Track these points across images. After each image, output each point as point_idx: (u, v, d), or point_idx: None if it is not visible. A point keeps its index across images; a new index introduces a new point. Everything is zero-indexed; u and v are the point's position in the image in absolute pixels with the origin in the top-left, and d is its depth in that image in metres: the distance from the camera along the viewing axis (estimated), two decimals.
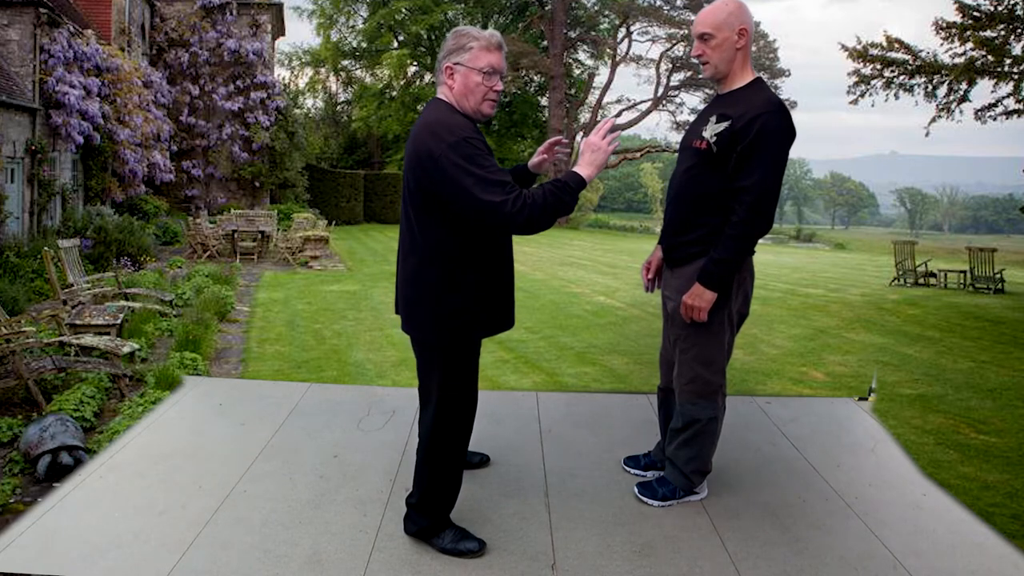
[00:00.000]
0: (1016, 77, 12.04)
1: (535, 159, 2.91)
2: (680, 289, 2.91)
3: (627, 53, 34.70)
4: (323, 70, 36.53)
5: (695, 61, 2.92)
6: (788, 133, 2.73)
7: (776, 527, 2.88)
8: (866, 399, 4.39)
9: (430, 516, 2.68)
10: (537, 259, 16.85)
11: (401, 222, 2.67)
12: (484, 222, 2.41)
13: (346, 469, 3.31)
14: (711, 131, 2.79)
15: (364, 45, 35.44)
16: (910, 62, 12.80)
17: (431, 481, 2.67)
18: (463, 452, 2.70)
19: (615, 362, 6.71)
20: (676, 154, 3.17)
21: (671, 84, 34.47)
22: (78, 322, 6.23)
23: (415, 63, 34.39)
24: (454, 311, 2.54)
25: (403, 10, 32.88)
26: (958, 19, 12.10)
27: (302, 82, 36.77)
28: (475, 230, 2.50)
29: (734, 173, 2.75)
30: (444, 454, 2.64)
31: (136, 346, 5.57)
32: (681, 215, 2.93)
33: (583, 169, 2.49)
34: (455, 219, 2.47)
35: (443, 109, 2.55)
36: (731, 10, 2.79)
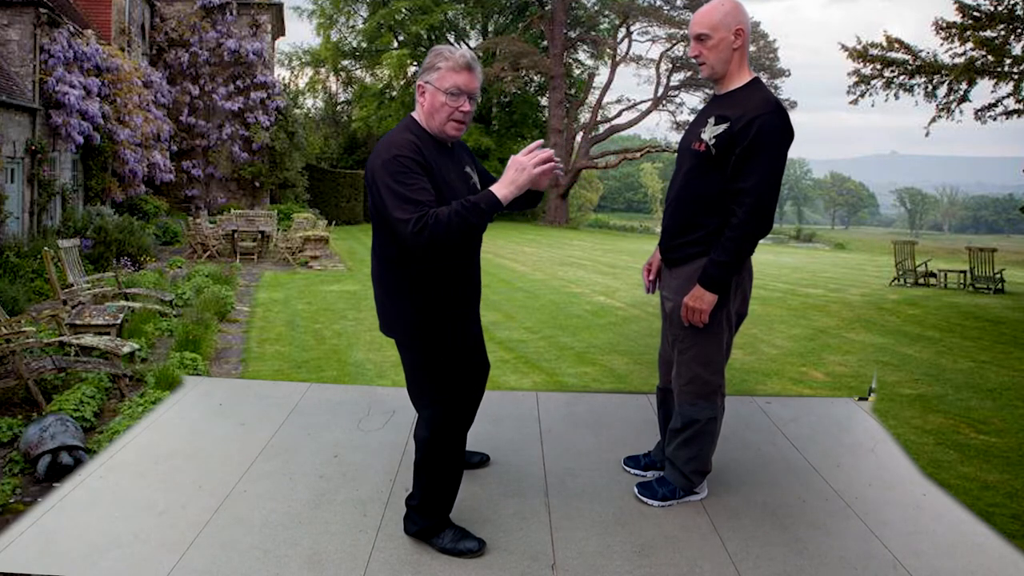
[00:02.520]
0: (1016, 77, 12.03)
1: None
2: (678, 289, 2.91)
3: (627, 53, 34.67)
4: (323, 70, 36.52)
5: (694, 61, 2.92)
6: (786, 134, 2.73)
7: (776, 527, 2.88)
8: (866, 399, 4.39)
9: (430, 517, 2.68)
10: (537, 259, 16.85)
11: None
12: (397, 238, 2.42)
13: (346, 469, 3.31)
14: (710, 133, 2.79)
15: (364, 45, 35.44)
16: (910, 62, 12.79)
17: (430, 483, 2.67)
18: (460, 453, 2.71)
19: (615, 362, 6.71)
20: (676, 155, 3.17)
21: (671, 84, 34.44)
22: (78, 322, 6.23)
23: (415, 63, 34.34)
24: (422, 317, 2.58)
25: (403, 10, 32.88)
26: (958, 19, 12.10)
27: (302, 82, 36.79)
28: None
29: (733, 175, 2.74)
30: (442, 457, 2.65)
31: (136, 346, 5.57)
32: (681, 217, 2.93)
33: (500, 189, 2.40)
34: None
35: (401, 126, 2.59)
36: (727, 10, 2.79)
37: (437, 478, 2.66)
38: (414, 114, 2.64)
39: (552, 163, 2.44)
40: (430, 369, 2.63)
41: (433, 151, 2.54)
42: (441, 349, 2.62)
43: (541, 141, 2.59)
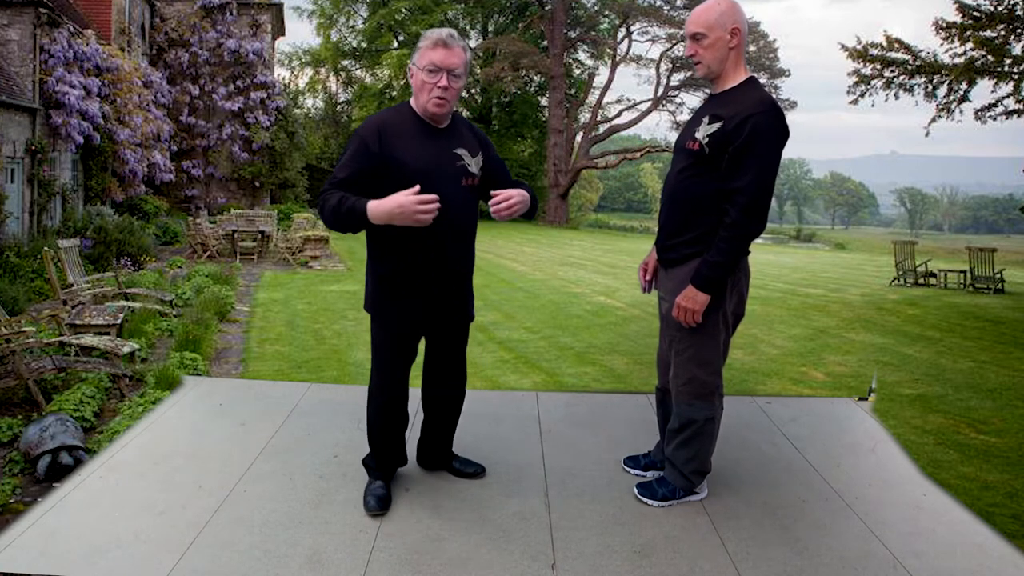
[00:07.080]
0: (1016, 77, 12.03)
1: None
2: (674, 290, 2.90)
3: (627, 53, 34.67)
4: (323, 70, 36.53)
5: (690, 60, 2.92)
6: (781, 133, 2.72)
7: (776, 527, 2.88)
8: (866, 399, 4.39)
9: (369, 460, 3.06)
10: (537, 259, 16.86)
11: None
12: None
13: (346, 469, 3.30)
14: (704, 132, 2.79)
15: (364, 45, 35.45)
16: (910, 62, 12.79)
17: (368, 434, 3.04)
18: (389, 422, 2.97)
19: (615, 362, 6.71)
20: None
21: (671, 84, 34.44)
22: (78, 322, 6.23)
23: None
24: (375, 280, 2.84)
25: (403, 10, 32.90)
26: (958, 19, 12.09)
27: (302, 82, 36.80)
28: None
29: (727, 174, 2.74)
30: (371, 418, 2.99)
31: (136, 346, 5.57)
32: (675, 216, 2.92)
33: (376, 206, 2.55)
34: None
35: (396, 106, 2.87)
36: (723, 9, 2.78)
37: (369, 433, 3.02)
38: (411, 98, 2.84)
39: (429, 215, 2.53)
40: (375, 339, 2.92)
41: (411, 131, 2.71)
42: (385, 324, 2.86)
43: (435, 196, 2.54)
